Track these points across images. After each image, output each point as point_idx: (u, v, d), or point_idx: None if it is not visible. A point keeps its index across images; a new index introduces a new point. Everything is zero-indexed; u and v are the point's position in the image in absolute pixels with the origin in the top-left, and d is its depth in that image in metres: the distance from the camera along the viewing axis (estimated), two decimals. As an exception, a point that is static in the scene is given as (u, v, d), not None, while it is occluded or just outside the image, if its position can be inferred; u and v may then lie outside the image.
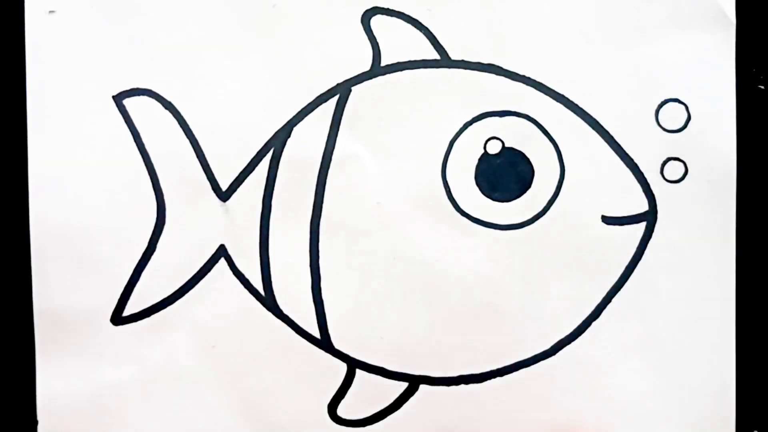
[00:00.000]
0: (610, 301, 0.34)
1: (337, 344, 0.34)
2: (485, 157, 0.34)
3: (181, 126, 0.34)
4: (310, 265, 0.34)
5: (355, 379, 0.34)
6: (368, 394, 0.34)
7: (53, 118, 0.33)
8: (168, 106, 0.34)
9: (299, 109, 0.34)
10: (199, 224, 0.34)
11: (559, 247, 0.34)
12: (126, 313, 0.34)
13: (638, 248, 0.34)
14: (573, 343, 0.34)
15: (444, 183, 0.34)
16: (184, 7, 0.34)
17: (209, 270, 0.34)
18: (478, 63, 0.34)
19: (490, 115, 0.34)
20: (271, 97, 0.34)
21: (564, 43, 0.34)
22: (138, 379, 0.33)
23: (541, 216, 0.34)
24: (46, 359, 0.33)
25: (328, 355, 0.34)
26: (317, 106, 0.34)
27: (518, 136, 0.34)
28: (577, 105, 0.34)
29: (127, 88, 0.33)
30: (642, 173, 0.34)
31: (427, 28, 0.34)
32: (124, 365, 0.33)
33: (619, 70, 0.34)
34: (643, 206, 0.34)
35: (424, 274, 0.34)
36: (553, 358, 0.34)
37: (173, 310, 0.34)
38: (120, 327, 0.34)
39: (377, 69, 0.34)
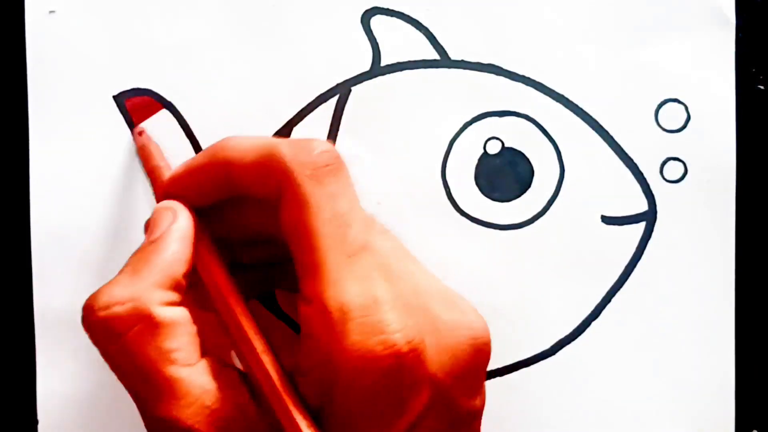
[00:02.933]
0: (609, 301, 0.34)
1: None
2: (485, 157, 0.34)
3: (181, 126, 0.34)
4: (310, 265, 0.34)
5: (355, 379, 0.34)
6: (368, 394, 0.34)
7: (54, 118, 0.33)
8: (168, 106, 0.34)
9: (299, 109, 0.34)
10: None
11: (558, 247, 0.34)
12: (126, 313, 0.34)
13: (638, 248, 0.34)
14: (573, 343, 0.34)
15: (444, 183, 0.34)
16: (184, 6, 0.34)
17: (209, 270, 0.34)
18: (478, 63, 0.34)
19: (490, 115, 0.34)
20: (271, 97, 0.34)
21: (564, 43, 0.34)
22: (138, 379, 0.33)
23: (541, 216, 0.34)
24: (47, 359, 0.33)
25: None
26: (317, 106, 0.34)
27: (518, 136, 0.34)
28: (576, 105, 0.34)
29: (127, 88, 0.33)
30: (641, 173, 0.34)
31: (426, 28, 0.34)
32: (124, 365, 0.33)
33: (619, 70, 0.34)
34: (642, 206, 0.34)
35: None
36: (553, 358, 0.34)
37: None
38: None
39: (377, 69, 0.34)
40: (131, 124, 0.33)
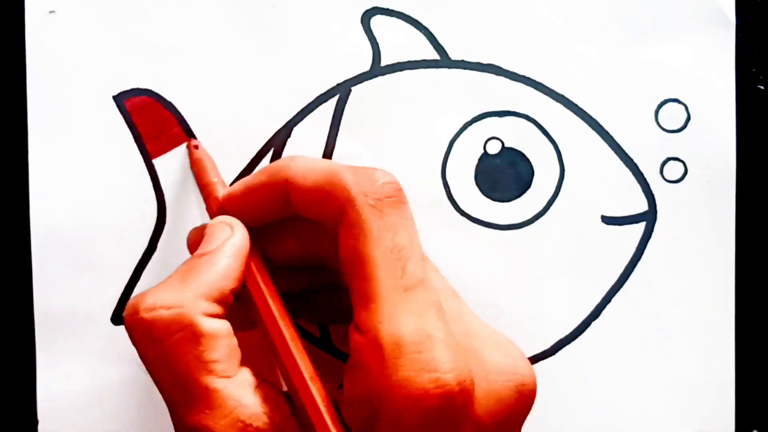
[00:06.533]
0: (610, 301, 0.34)
1: (337, 343, 0.34)
2: (485, 157, 0.34)
3: (181, 126, 0.34)
4: (310, 265, 0.34)
5: (355, 379, 0.34)
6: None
7: (53, 118, 0.33)
8: (168, 106, 0.34)
9: (299, 109, 0.34)
10: (200, 224, 0.34)
11: (558, 247, 0.34)
12: (126, 313, 0.34)
13: (638, 248, 0.34)
14: (573, 343, 0.34)
15: (444, 183, 0.34)
16: (184, 7, 0.34)
17: (209, 270, 0.34)
18: (478, 63, 0.34)
19: (490, 115, 0.34)
20: (271, 97, 0.34)
21: (564, 43, 0.34)
22: (138, 378, 0.33)
23: (541, 216, 0.34)
24: (47, 359, 0.33)
25: (328, 355, 0.34)
26: (317, 106, 0.34)
27: (518, 136, 0.34)
28: (576, 105, 0.34)
29: (127, 88, 0.33)
30: (641, 173, 0.34)
31: (427, 28, 0.34)
32: (124, 365, 0.33)
33: (619, 70, 0.34)
34: (642, 206, 0.34)
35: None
36: (553, 358, 0.34)
37: (173, 310, 0.34)
38: (120, 327, 0.34)
39: (377, 69, 0.34)
40: (131, 125, 0.33)
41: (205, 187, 0.31)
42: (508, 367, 0.27)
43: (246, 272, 0.28)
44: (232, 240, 0.28)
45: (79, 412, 0.33)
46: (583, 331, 0.34)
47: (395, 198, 0.27)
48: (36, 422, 0.33)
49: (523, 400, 0.27)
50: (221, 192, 0.31)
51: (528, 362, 0.28)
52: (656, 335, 0.34)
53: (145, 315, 0.26)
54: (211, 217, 0.30)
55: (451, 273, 0.34)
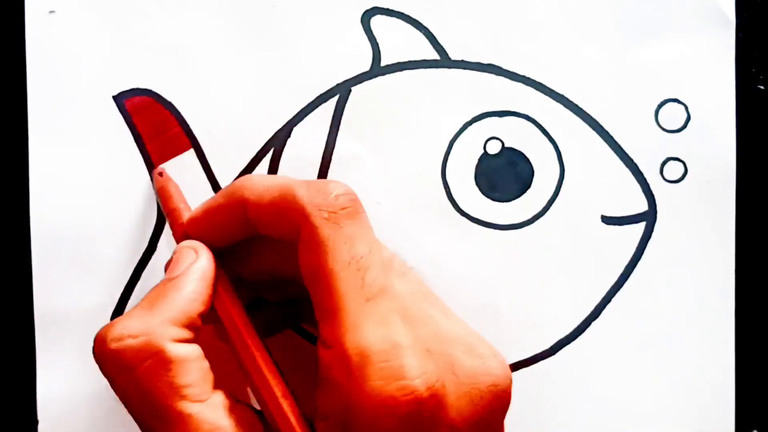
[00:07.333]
0: (609, 301, 0.34)
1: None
2: (485, 157, 0.34)
3: (181, 126, 0.34)
4: (310, 265, 0.34)
5: (355, 379, 0.34)
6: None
7: (54, 118, 0.33)
8: (168, 106, 0.34)
9: (299, 109, 0.34)
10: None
11: (558, 247, 0.34)
12: (126, 313, 0.34)
13: (638, 248, 0.34)
14: (573, 343, 0.34)
15: (444, 183, 0.34)
16: (184, 7, 0.34)
17: (209, 270, 0.34)
18: (478, 63, 0.34)
19: (490, 115, 0.34)
20: (271, 97, 0.34)
21: (564, 43, 0.34)
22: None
23: (541, 216, 0.34)
24: (47, 359, 0.33)
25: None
26: (317, 106, 0.34)
27: (518, 136, 0.34)
28: (576, 105, 0.34)
29: (127, 88, 0.33)
30: (641, 173, 0.34)
31: (427, 28, 0.34)
32: (124, 365, 0.33)
33: (619, 70, 0.34)
34: (642, 206, 0.34)
35: (424, 274, 0.34)
36: (553, 358, 0.34)
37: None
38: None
39: (377, 69, 0.34)
40: (131, 125, 0.33)
41: (170, 213, 0.31)
42: (478, 368, 0.27)
43: (214, 294, 0.28)
44: (197, 264, 0.28)
45: (79, 412, 0.33)
46: (583, 331, 0.34)
47: (350, 208, 0.27)
48: (36, 422, 0.33)
49: (497, 400, 0.27)
50: (186, 217, 0.31)
51: (501, 361, 0.27)
52: (656, 335, 0.34)
53: (113, 345, 0.26)
54: (178, 242, 0.30)
55: (452, 273, 0.34)
